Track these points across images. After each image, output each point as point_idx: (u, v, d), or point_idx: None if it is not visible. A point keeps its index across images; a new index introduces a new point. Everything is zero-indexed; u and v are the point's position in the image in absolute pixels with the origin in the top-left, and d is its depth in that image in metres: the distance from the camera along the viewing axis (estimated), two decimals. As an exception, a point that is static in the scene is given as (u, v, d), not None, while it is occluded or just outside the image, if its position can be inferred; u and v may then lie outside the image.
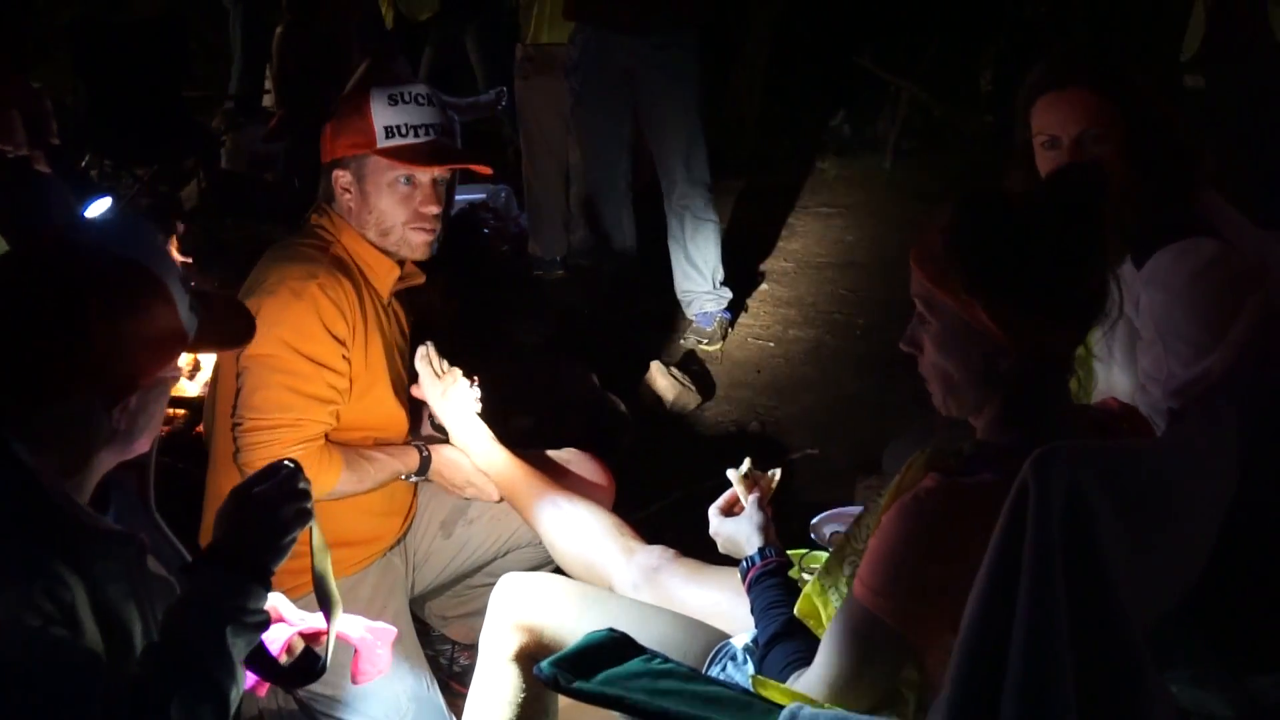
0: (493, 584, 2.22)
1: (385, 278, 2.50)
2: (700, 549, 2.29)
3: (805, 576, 2.09)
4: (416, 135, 2.42)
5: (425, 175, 2.43)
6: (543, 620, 2.06)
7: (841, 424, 4.19)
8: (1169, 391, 2.05)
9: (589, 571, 2.38)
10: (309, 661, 1.81)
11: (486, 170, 2.61)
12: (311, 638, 1.84)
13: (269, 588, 1.60)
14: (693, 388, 4.31)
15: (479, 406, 2.61)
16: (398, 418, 2.58)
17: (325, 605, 1.76)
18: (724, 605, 2.12)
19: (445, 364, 2.62)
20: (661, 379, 4.29)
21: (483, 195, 5.75)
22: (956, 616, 1.50)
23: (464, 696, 2.23)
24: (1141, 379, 2.15)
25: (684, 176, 4.68)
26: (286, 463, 1.68)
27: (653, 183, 4.89)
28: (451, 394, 2.59)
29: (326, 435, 2.40)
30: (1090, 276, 1.61)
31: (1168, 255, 2.08)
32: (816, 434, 4.10)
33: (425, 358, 2.59)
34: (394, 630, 1.94)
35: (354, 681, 1.93)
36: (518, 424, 3.65)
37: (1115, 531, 1.38)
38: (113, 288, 1.54)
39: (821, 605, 1.75)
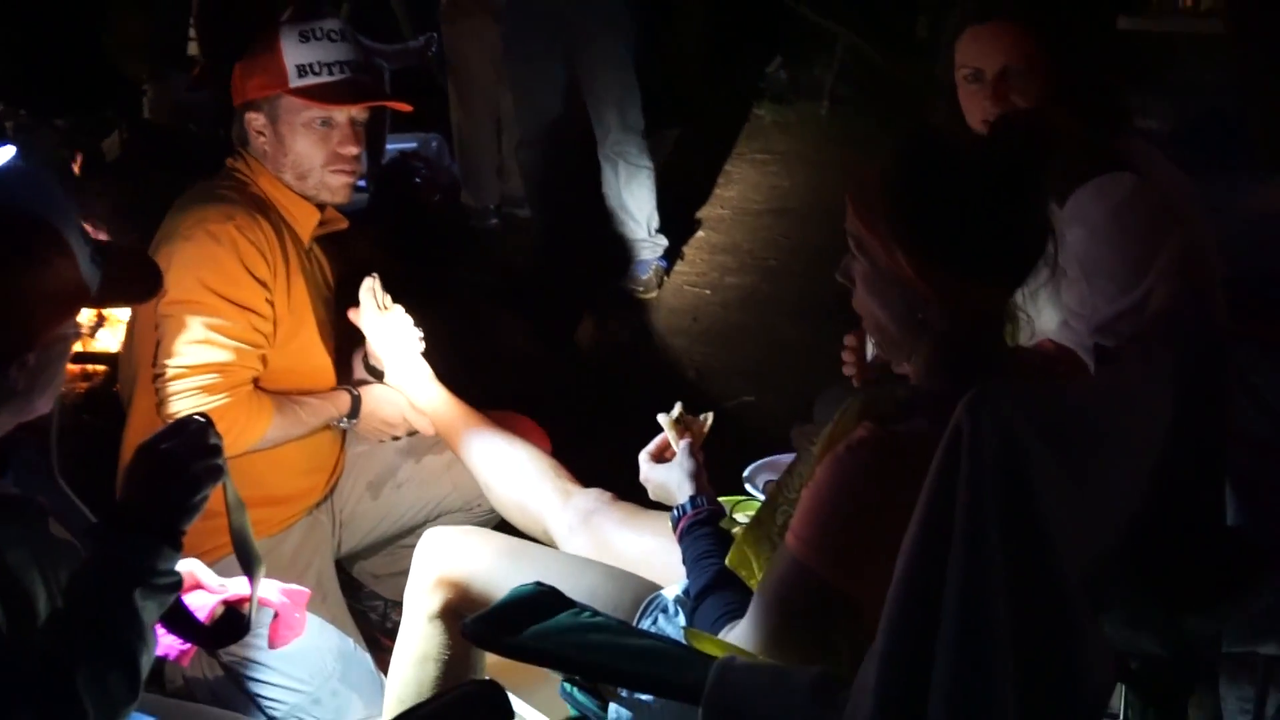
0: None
1: (305, 222, 2.43)
2: (635, 496, 2.26)
3: (739, 519, 2.06)
4: (331, 73, 2.35)
5: (342, 115, 2.37)
6: (468, 575, 2.01)
7: (778, 371, 4.16)
8: (1094, 327, 2.06)
9: (524, 514, 2.34)
10: (234, 621, 1.75)
11: (406, 108, 2.54)
12: (234, 604, 1.79)
13: (179, 548, 1.53)
14: (629, 336, 4.26)
15: (421, 345, 2.55)
16: (324, 366, 2.52)
17: (247, 563, 1.70)
18: (658, 552, 2.08)
19: (389, 299, 2.56)
20: (597, 328, 4.24)
21: (413, 144, 5.63)
22: (891, 567, 1.48)
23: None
24: (1065, 315, 2.14)
25: (618, 123, 4.60)
26: (197, 417, 1.62)
27: (587, 129, 4.81)
28: (393, 328, 2.52)
29: (256, 383, 2.34)
30: (1026, 237, 1.58)
31: (1087, 191, 2.08)
32: (753, 381, 4.07)
33: (370, 289, 2.54)
34: (307, 591, 1.89)
35: (271, 646, 1.87)
36: (451, 375, 3.58)
37: (1050, 472, 1.34)
38: (4, 240, 1.45)
39: (753, 555, 1.71)
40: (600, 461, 3.47)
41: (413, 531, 2.61)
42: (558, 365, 4.02)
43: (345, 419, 2.49)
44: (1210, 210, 2.20)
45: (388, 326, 2.53)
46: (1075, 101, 2.09)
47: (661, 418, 2.07)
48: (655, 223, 4.79)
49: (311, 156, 2.37)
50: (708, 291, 4.83)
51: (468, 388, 3.42)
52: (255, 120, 2.36)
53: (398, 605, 2.72)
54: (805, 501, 1.58)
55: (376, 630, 2.72)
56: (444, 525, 2.44)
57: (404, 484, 2.60)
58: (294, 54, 2.32)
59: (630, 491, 2.22)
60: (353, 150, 2.38)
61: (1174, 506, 1.57)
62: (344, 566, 2.67)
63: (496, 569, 1.98)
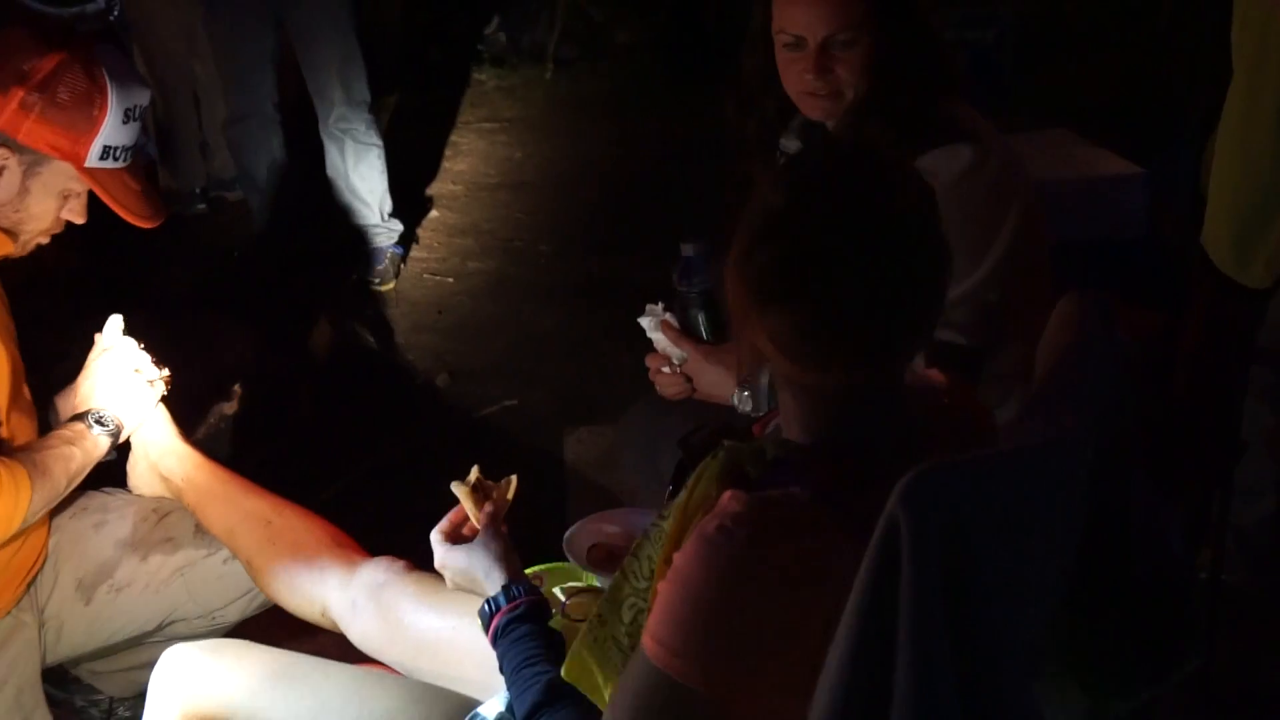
0: (154, 643, 1.72)
1: None
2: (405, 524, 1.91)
3: (558, 595, 1.72)
4: (124, 159, 1.96)
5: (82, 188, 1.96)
6: (223, 708, 1.57)
7: (537, 366, 3.83)
8: None
9: (296, 594, 1.92)
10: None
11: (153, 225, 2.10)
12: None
13: None
14: (369, 338, 3.83)
15: (162, 390, 2.10)
16: (25, 424, 2.02)
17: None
18: (464, 633, 1.70)
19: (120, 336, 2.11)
20: (331, 330, 3.79)
21: (99, 122, 4.96)
22: (781, 670, 1.21)
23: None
24: None
25: (341, 97, 4.15)
26: None
27: (303, 101, 4.32)
28: (124, 371, 2.05)
29: None
30: (878, 322, 1.25)
31: (921, 166, 1.85)
32: (512, 381, 3.72)
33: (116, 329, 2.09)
34: None
35: None
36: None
37: (995, 560, 1.12)
38: None
39: (596, 664, 1.35)
40: (354, 485, 3.10)
41: (140, 640, 2.13)
42: (289, 378, 3.54)
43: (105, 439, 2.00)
44: None
45: (118, 368, 2.05)
46: (901, 70, 1.90)
47: (456, 487, 1.67)
48: (388, 206, 4.37)
49: (45, 221, 1.96)
50: (451, 280, 4.43)
51: (184, 414, 2.96)
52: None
53: (125, 700, 2.26)
54: (668, 595, 1.25)
55: (99, 730, 2.24)
56: (182, 639, 1.99)
57: (124, 588, 2.08)
58: (110, 131, 1.91)
59: (386, 511, 1.83)
60: (79, 221, 2.00)
61: (1100, 562, 1.34)
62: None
63: (260, 698, 1.56)
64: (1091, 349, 1.36)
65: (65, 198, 1.95)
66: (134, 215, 1.98)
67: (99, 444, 1.98)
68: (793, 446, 1.35)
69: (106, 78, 1.91)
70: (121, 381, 2.04)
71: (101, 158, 1.91)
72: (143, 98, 1.97)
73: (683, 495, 1.35)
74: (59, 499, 1.93)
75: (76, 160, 1.90)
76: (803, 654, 1.15)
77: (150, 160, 4.90)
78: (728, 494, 1.26)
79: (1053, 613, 1.33)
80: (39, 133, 1.87)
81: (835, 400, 1.31)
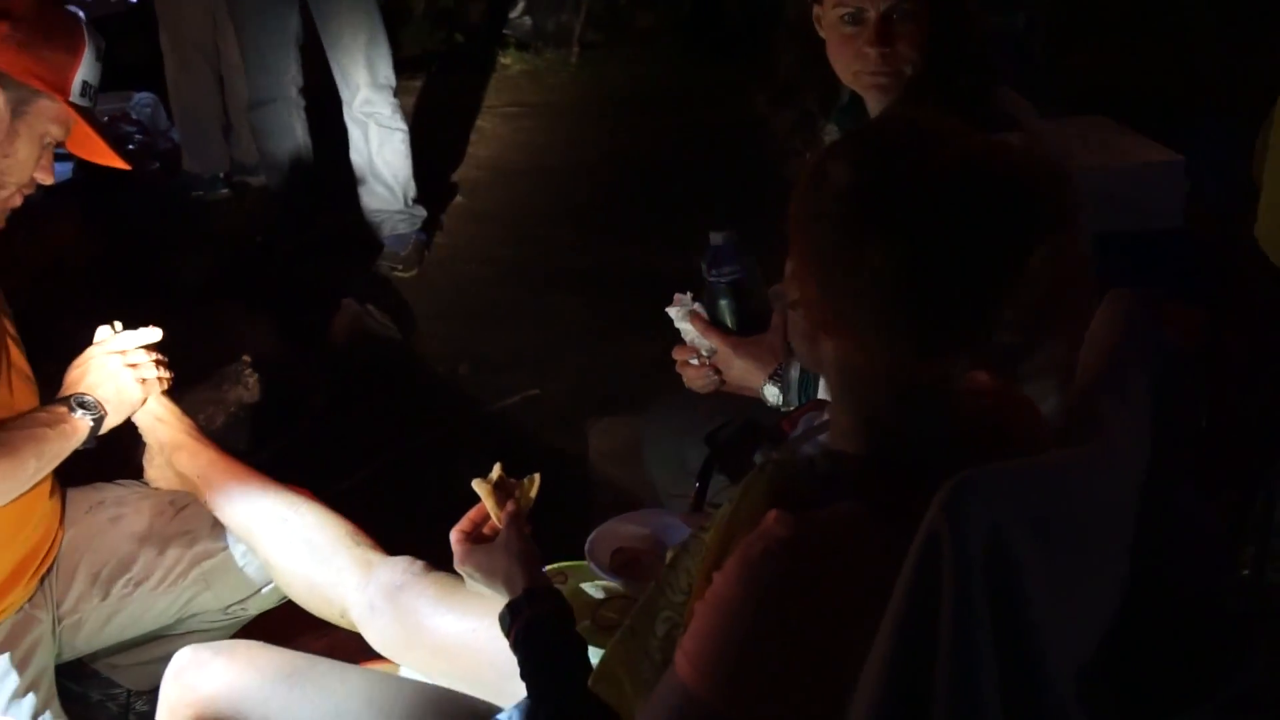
0: (174, 636, 1.69)
1: None
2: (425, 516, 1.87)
3: (589, 591, 1.68)
4: (94, 104, 1.96)
5: (60, 132, 1.93)
6: (235, 710, 1.53)
7: (561, 356, 3.77)
8: None
9: (314, 594, 1.88)
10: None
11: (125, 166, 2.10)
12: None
13: None
14: (391, 325, 3.78)
15: (158, 385, 2.04)
16: (18, 403, 1.98)
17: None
18: (484, 636, 1.65)
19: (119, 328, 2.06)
20: (353, 317, 3.74)
21: (120, 105, 4.93)
22: (817, 699, 1.15)
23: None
24: None
25: (367, 80, 4.10)
26: None
27: (327, 84, 4.27)
28: (116, 364, 1.99)
29: None
30: (965, 306, 1.19)
31: None
32: (535, 370, 3.67)
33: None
34: None
35: None
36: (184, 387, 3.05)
37: (1041, 575, 1.06)
38: None
39: (626, 676, 1.31)
40: (372, 478, 3.07)
41: (160, 634, 2.09)
42: (310, 366, 3.50)
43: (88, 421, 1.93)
44: None
45: (110, 359, 2.00)
46: (959, 49, 1.86)
47: (477, 484, 1.61)
48: (412, 191, 4.32)
49: (23, 171, 1.91)
50: (474, 266, 4.39)
51: (201, 403, 2.92)
52: None
53: (143, 694, 2.22)
54: (705, 615, 1.19)
55: (117, 725, 2.21)
56: (198, 632, 1.96)
57: (142, 581, 2.04)
58: (87, 67, 1.92)
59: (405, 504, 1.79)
60: (48, 180, 1.96)
61: (1146, 575, 1.28)
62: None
63: (274, 701, 1.52)
64: (1139, 350, 1.29)
65: (44, 146, 1.91)
66: (121, 157, 2.02)
67: (79, 427, 1.91)
68: (846, 459, 1.28)
69: (76, 11, 1.94)
70: (110, 372, 1.98)
71: (81, 94, 1.91)
72: (101, 40, 1.98)
73: (726, 508, 1.29)
74: (27, 481, 1.86)
75: (63, 91, 1.89)
76: (842, 685, 1.09)
77: (172, 145, 4.89)
78: (773, 514, 1.18)
79: (1106, 630, 1.28)
80: (24, 63, 1.85)
81: (905, 401, 1.23)
